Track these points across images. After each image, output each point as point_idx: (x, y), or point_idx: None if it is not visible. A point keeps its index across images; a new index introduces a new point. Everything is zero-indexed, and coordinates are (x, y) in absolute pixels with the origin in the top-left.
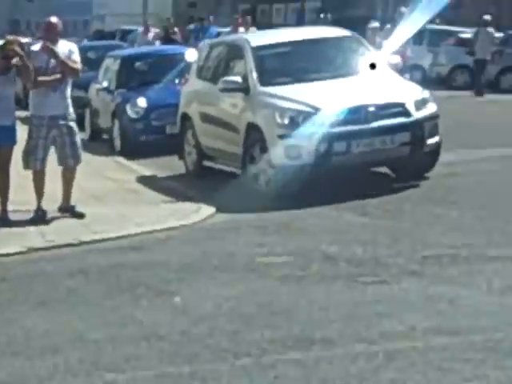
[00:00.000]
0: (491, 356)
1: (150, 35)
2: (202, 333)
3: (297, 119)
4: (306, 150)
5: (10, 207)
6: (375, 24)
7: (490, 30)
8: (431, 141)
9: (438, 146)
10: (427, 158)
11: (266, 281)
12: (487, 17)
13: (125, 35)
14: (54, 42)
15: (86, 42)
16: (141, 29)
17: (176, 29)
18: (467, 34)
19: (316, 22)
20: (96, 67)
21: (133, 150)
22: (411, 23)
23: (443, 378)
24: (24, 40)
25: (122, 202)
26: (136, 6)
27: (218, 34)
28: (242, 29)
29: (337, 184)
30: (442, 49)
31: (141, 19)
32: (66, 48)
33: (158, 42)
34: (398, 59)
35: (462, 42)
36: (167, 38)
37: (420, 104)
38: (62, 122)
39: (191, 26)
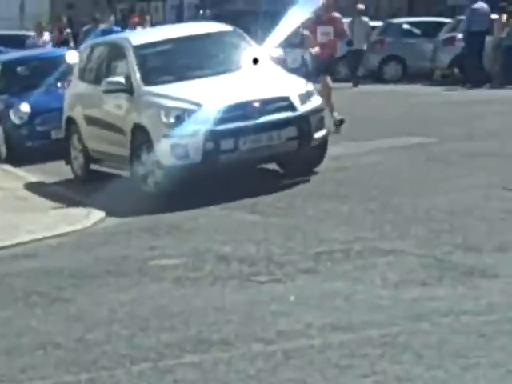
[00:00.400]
0: (388, 351)
1: (44, 38)
2: (99, 339)
3: (182, 118)
4: (193, 148)
5: None
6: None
7: (365, 19)
8: (318, 134)
9: (325, 139)
10: (315, 152)
11: (160, 284)
12: (361, 6)
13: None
14: None
15: None
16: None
17: (69, 30)
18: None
19: (195, 18)
20: None
21: (19, 157)
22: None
23: (341, 375)
24: None
25: (12, 210)
26: (13, 8)
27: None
28: (139, 28)
29: (226, 182)
30: None
31: (18, 23)
32: None
33: (49, 45)
34: (279, 52)
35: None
36: (60, 40)
37: (305, 97)
38: None
39: (85, 27)
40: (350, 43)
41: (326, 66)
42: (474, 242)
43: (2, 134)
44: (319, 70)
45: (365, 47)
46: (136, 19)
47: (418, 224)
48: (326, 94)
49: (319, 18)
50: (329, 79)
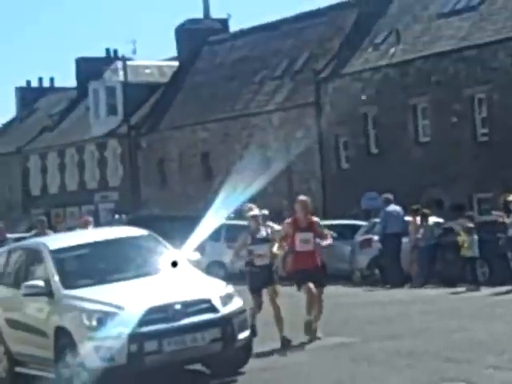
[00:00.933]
0: None
1: None
2: None
3: (105, 320)
4: (118, 350)
5: None
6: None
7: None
8: (242, 335)
9: (249, 340)
10: (240, 352)
11: None
12: (250, 205)
13: None
14: None
15: None
16: None
17: None
18: None
19: (111, 222)
20: None
21: None
22: (210, 219)
23: None
24: None
25: None
26: None
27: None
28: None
29: (152, 382)
30: None
31: None
32: None
33: None
34: (197, 255)
35: None
36: None
37: (226, 299)
38: None
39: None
40: None
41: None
42: None
43: None
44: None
45: None
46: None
47: None
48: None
49: (297, 223)
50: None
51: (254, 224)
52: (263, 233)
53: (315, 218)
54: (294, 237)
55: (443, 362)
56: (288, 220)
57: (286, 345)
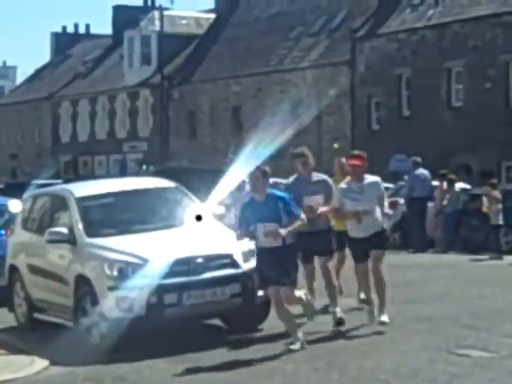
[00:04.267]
0: None
1: None
2: None
3: (126, 271)
4: (138, 302)
5: None
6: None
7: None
8: (262, 292)
9: (268, 297)
10: (259, 309)
11: None
12: (267, 168)
13: None
14: None
15: None
16: None
17: None
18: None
19: (138, 173)
20: None
21: None
22: (235, 174)
23: None
24: None
25: None
26: None
27: None
28: None
29: (171, 335)
30: None
31: None
32: None
33: None
34: (222, 210)
35: None
36: None
37: (248, 255)
38: None
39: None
40: None
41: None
42: None
43: None
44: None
45: None
46: None
47: None
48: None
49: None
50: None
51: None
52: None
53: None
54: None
55: (461, 328)
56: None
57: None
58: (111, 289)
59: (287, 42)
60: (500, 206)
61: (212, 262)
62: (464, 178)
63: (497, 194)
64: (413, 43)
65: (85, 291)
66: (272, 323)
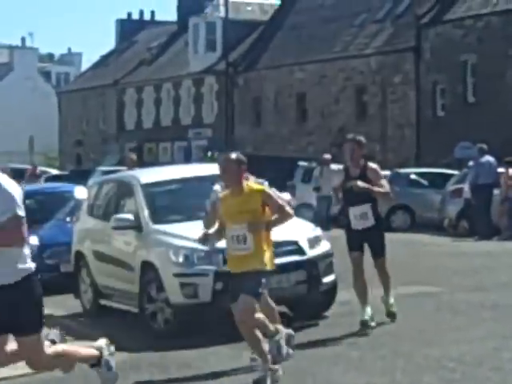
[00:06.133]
0: None
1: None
2: None
3: (191, 257)
4: (203, 288)
5: None
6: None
7: (334, 167)
8: (327, 279)
9: (334, 284)
10: (324, 296)
11: None
12: (327, 156)
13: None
14: None
15: None
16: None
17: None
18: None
19: (203, 159)
20: None
21: None
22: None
23: None
24: None
25: None
26: (22, 144)
27: None
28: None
29: (234, 322)
30: None
31: (28, 158)
32: None
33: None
34: (288, 196)
35: None
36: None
37: (313, 242)
38: None
39: None
40: (317, 189)
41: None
42: None
43: None
44: None
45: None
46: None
47: (429, 372)
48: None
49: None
50: None
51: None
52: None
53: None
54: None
55: None
56: None
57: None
58: (177, 275)
59: (352, 29)
60: None
61: (277, 248)
62: None
63: None
64: (478, 29)
65: (150, 277)
66: (337, 310)
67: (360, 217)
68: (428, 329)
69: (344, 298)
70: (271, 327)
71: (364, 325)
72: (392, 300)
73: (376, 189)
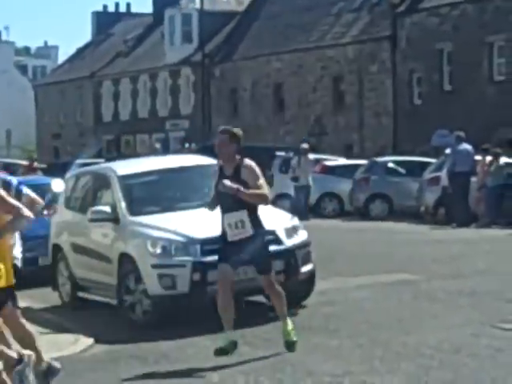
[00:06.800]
0: None
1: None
2: None
3: (169, 248)
4: (181, 279)
5: None
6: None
7: (310, 157)
8: (305, 268)
9: (312, 273)
10: (302, 286)
11: None
12: (305, 145)
13: None
14: None
15: None
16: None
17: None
18: (333, 161)
19: (181, 151)
20: None
21: None
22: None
23: None
24: None
25: None
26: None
27: None
28: None
29: (213, 312)
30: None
31: (5, 151)
32: None
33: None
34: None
35: (329, 170)
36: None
37: (291, 231)
38: None
39: None
40: (295, 179)
41: None
42: (464, 379)
43: None
44: None
45: (310, 183)
46: None
47: (407, 360)
48: None
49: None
50: None
51: None
52: None
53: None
54: None
55: (505, 303)
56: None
57: None
58: (154, 266)
59: (328, 18)
60: None
61: None
62: (507, 152)
63: None
64: (454, 18)
65: (128, 269)
66: (315, 299)
67: (235, 225)
68: (406, 317)
69: (322, 287)
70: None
71: (220, 352)
72: (290, 326)
73: (249, 191)
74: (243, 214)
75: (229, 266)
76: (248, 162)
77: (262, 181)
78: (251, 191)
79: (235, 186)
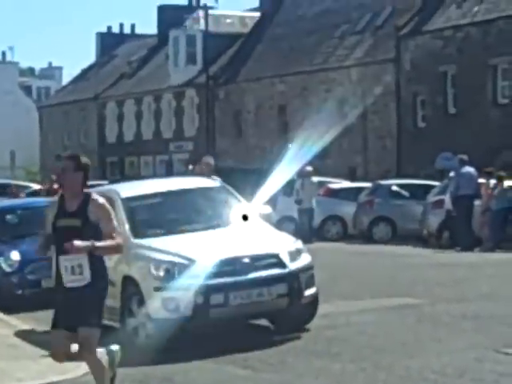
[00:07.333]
0: None
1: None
2: None
3: (172, 271)
4: (184, 302)
5: None
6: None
7: (314, 180)
8: (308, 292)
9: (315, 297)
10: (306, 309)
11: None
12: (309, 168)
13: None
14: None
15: None
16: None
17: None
18: (337, 184)
19: (185, 173)
20: None
21: (9, 304)
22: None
23: None
24: None
25: (1, 357)
26: (3, 158)
27: None
28: None
29: (217, 336)
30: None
31: (9, 172)
32: None
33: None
34: (269, 209)
35: (333, 193)
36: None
37: (294, 255)
38: None
39: None
40: (299, 202)
41: None
42: None
43: None
44: None
45: (313, 205)
46: None
47: None
48: None
49: None
50: None
51: None
52: None
53: None
54: None
55: (509, 327)
56: None
57: None
58: (157, 289)
59: (332, 41)
60: None
61: (258, 261)
62: (510, 175)
63: None
64: (458, 40)
65: (131, 292)
66: (318, 323)
67: (72, 271)
68: (409, 341)
69: (325, 310)
70: None
71: None
72: None
73: (105, 244)
74: (83, 258)
75: (63, 332)
76: (98, 198)
77: (114, 223)
78: (108, 243)
79: (88, 243)
